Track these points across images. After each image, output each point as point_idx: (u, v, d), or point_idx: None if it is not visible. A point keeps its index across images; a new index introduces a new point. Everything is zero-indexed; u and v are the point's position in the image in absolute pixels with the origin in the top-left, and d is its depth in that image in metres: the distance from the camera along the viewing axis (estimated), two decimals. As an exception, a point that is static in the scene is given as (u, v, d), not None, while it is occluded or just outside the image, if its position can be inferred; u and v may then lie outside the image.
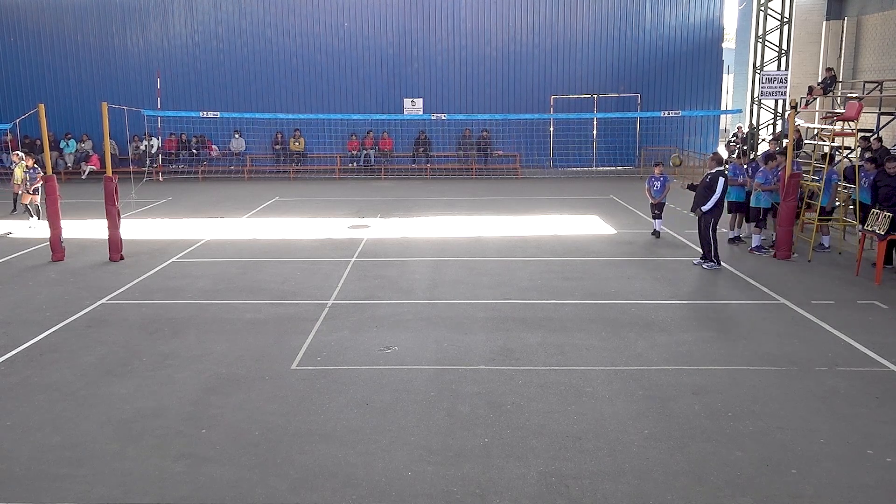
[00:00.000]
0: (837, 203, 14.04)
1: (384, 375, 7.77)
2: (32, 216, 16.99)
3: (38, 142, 24.81)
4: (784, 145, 16.47)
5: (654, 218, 15.22)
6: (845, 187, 14.36)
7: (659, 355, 8.27)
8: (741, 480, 5.61)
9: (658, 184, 15.12)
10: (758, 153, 19.86)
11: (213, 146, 27.19)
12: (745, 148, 21.11)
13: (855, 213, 13.28)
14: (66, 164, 26.40)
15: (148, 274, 12.30)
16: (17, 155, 18.21)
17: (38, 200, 16.67)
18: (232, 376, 7.79)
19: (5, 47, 27.34)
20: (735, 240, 14.44)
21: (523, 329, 9.24)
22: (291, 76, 27.21)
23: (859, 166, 13.41)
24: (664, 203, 15.19)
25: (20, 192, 17.50)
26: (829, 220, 13.60)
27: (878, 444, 6.15)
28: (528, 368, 7.94)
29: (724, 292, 11.01)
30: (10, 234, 16.36)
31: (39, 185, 16.55)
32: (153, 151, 26.05)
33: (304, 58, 27.12)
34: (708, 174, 12.53)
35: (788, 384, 7.44)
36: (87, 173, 26.06)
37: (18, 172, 18.01)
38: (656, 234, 15.05)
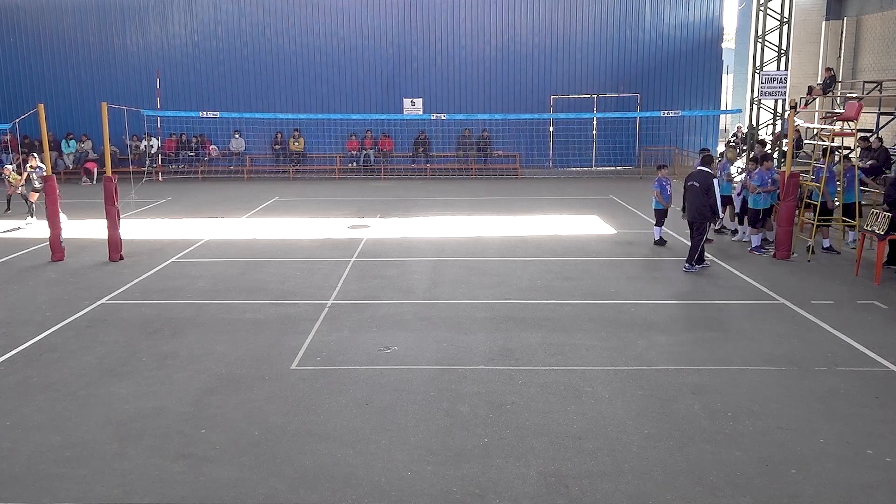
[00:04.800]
0: (837, 203, 14.03)
1: (384, 375, 7.77)
2: (32, 216, 17.06)
3: (38, 142, 24.79)
4: (765, 148, 16.57)
5: (660, 224, 14.27)
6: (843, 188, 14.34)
7: (659, 355, 8.27)
8: (741, 480, 5.61)
9: (669, 187, 14.26)
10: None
11: (212, 146, 27.16)
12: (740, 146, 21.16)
13: (857, 213, 13.24)
14: (66, 164, 26.37)
15: (148, 274, 12.30)
16: (7, 169, 18.31)
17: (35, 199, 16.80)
18: (232, 376, 7.79)
19: (5, 47, 27.32)
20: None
21: (523, 329, 9.23)
22: (291, 76, 27.19)
23: (870, 166, 13.38)
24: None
25: (26, 191, 17.64)
26: (830, 220, 13.59)
27: (878, 444, 6.15)
28: (528, 368, 7.94)
29: (724, 292, 11.00)
30: (18, 228, 16.57)
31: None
32: (153, 151, 26.04)
33: (303, 58, 27.11)
34: (696, 179, 12.16)
35: (788, 384, 7.44)
36: (84, 182, 25.87)
37: (15, 177, 18.16)
38: (662, 241, 14.26)
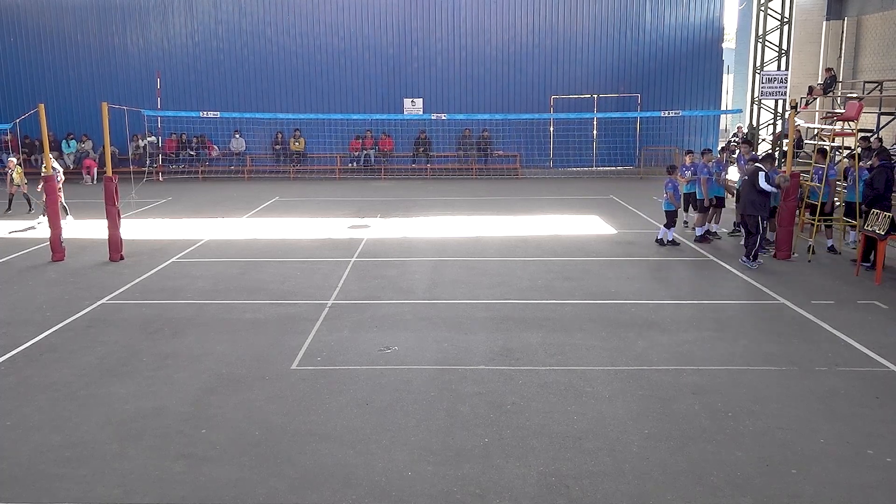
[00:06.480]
0: (837, 203, 14.02)
1: (384, 375, 7.77)
2: (45, 215, 17.05)
3: (38, 142, 24.80)
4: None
5: (672, 226, 14.10)
6: (844, 187, 14.34)
7: (659, 355, 8.27)
8: (741, 480, 5.61)
9: (679, 188, 14.29)
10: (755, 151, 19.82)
11: (214, 146, 27.17)
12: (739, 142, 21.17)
13: (856, 213, 13.23)
14: (66, 164, 26.34)
15: (148, 274, 12.30)
16: (13, 161, 18.39)
17: (62, 199, 16.48)
18: (232, 376, 7.79)
19: (5, 47, 27.32)
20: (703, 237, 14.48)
21: (523, 329, 9.23)
22: (291, 76, 27.20)
23: (869, 166, 13.37)
24: None
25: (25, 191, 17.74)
26: (830, 220, 13.58)
27: (878, 444, 6.15)
28: (528, 368, 7.94)
29: (724, 292, 11.00)
30: (33, 227, 16.60)
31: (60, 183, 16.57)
32: (152, 151, 25.99)
33: (303, 57, 27.11)
34: (746, 172, 12.77)
35: (788, 384, 7.44)
36: (85, 182, 25.88)
37: (17, 177, 18.19)
38: (674, 242, 14.13)
